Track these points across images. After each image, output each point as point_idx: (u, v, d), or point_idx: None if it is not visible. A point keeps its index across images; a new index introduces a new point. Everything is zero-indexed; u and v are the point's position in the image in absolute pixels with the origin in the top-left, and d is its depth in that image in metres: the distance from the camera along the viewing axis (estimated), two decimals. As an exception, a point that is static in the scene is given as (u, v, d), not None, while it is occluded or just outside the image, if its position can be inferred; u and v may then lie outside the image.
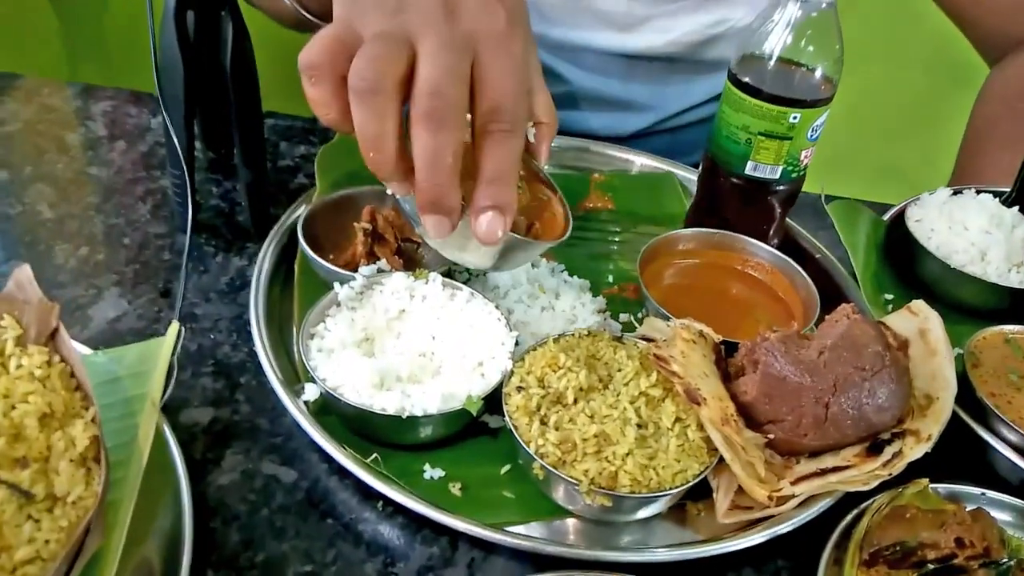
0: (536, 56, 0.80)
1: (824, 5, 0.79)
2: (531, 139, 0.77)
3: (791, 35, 0.81)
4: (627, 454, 0.62)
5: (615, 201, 1.03)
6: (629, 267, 0.93)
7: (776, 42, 0.81)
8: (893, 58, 1.77)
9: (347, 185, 0.90)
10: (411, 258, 0.88)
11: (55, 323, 0.59)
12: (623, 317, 0.86)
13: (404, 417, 0.64)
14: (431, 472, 0.68)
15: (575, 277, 0.89)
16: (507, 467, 0.69)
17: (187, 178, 0.82)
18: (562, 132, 1.12)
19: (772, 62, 0.81)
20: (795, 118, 0.82)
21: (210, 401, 0.73)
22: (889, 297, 0.90)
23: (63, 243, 0.87)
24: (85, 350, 0.70)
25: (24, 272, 0.60)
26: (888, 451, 0.67)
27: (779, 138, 0.83)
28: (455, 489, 0.67)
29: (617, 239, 0.98)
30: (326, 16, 0.67)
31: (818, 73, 0.82)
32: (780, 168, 0.85)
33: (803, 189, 0.91)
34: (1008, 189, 0.99)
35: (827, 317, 0.72)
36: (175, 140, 0.82)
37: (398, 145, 0.59)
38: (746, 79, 0.82)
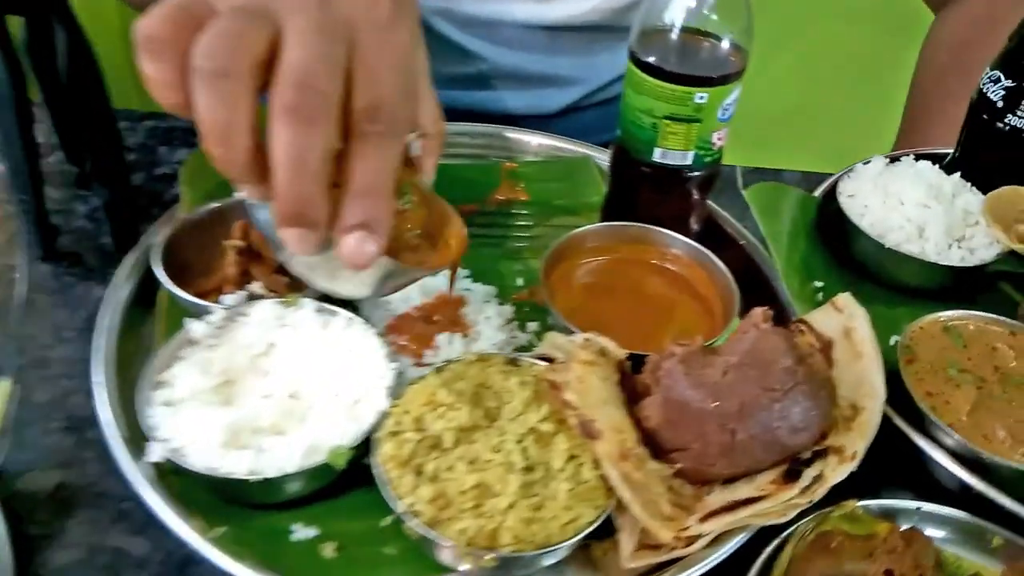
0: (424, 55, 0.71)
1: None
2: (415, 152, 0.69)
3: (693, 2, 0.72)
4: (509, 507, 0.55)
5: (528, 191, 0.95)
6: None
7: (677, 12, 0.72)
8: (839, 13, 1.67)
9: (221, 197, 0.81)
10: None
11: None
12: (532, 326, 0.79)
13: (252, 481, 0.57)
14: (301, 532, 0.60)
15: (479, 284, 0.81)
16: (388, 519, 0.61)
17: (19, 199, 0.73)
18: (480, 116, 1.04)
19: (674, 36, 0.73)
20: (701, 98, 0.73)
21: (57, 463, 0.65)
22: (820, 284, 0.82)
23: (-96, 284, 0.78)
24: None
25: None
26: (807, 475, 0.61)
27: (686, 121, 0.75)
28: (329, 550, 0.59)
29: (528, 234, 0.90)
30: None
31: (726, 45, 0.73)
32: (691, 153, 0.77)
33: (728, 162, 0.83)
34: (951, 150, 0.92)
35: (739, 325, 0.65)
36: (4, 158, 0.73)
37: (251, 140, 0.49)
38: (646, 58, 0.73)
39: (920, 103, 1.15)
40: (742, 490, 0.61)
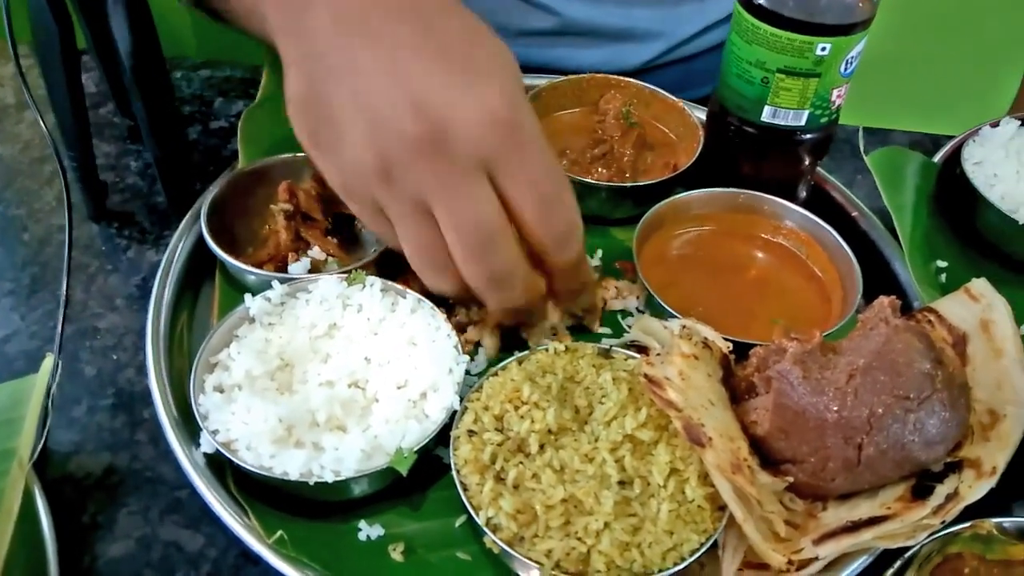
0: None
1: None
2: None
3: (818, -61, 0.62)
4: (603, 528, 0.49)
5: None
6: (626, 237, 0.77)
7: (798, -50, 0.63)
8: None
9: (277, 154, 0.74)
10: (351, 236, 0.73)
11: None
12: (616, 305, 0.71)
13: (311, 484, 0.51)
14: (368, 531, 0.55)
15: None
16: (462, 518, 0.56)
17: (61, 157, 0.67)
18: (552, 71, 0.95)
19: (793, -23, 0.63)
20: (823, 49, 0.64)
21: (106, 444, 0.60)
22: (942, 264, 0.73)
23: (-49, 242, 0.74)
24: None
25: None
26: (940, 492, 0.53)
27: (804, 75, 0.65)
28: (396, 553, 0.54)
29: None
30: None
31: (853, -11, 0.63)
32: (806, 113, 0.68)
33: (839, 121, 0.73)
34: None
35: (860, 317, 0.57)
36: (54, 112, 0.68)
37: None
38: (760, 1, 0.64)
39: None
40: (862, 507, 0.53)
